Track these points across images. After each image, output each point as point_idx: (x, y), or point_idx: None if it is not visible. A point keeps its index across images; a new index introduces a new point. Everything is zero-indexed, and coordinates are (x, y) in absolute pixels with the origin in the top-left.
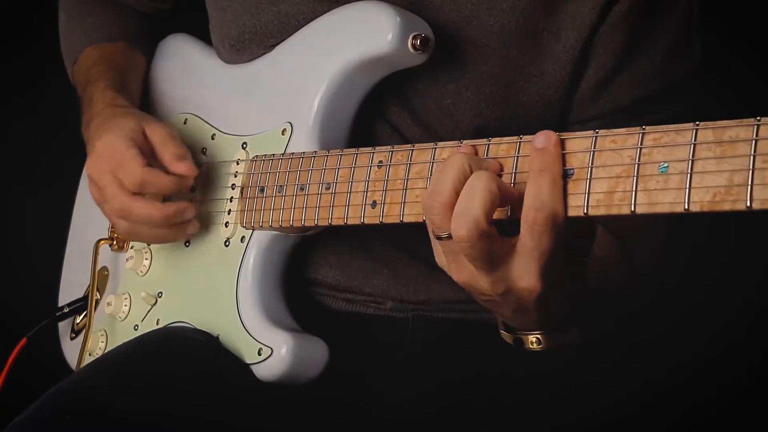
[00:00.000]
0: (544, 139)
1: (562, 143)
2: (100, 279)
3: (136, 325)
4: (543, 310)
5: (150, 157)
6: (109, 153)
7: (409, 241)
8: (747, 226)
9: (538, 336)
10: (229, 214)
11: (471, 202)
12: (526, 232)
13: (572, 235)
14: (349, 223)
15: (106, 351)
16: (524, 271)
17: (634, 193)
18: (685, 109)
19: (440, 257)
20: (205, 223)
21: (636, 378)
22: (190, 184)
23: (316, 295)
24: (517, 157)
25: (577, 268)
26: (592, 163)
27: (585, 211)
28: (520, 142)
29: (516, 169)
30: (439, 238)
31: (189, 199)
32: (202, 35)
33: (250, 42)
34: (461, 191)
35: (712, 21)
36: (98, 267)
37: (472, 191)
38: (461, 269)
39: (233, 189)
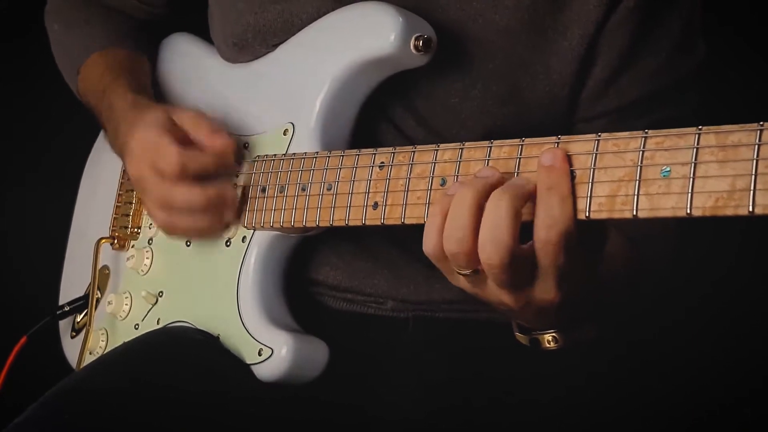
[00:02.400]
0: (551, 156)
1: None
2: (101, 278)
3: (137, 324)
4: (561, 313)
5: (185, 142)
6: (144, 148)
7: (410, 241)
8: (752, 224)
9: (554, 335)
10: None
11: (499, 229)
12: (540, 250)
13: (585, 237)
14: (350, 224)
15: (106, 349)
16: (543, 287)
17: (636, 197)
18: (688, 108)
19: (457, 281)
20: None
21: (638, 378)
22: (232, 161)
23: (317, 295)
24: (519, 158)
25: (591, 270)
26: (594, 166)
27: (587, 215)
28: (522, 145)
29: (518, 169)
30: (462, 275)
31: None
32: (202, 35)
33: (253, 41)
34: (484, 215)
35: (711, 21)
36: (99, 266)
37: (498, 216)
38: (486, 291)
39: (235, 189)
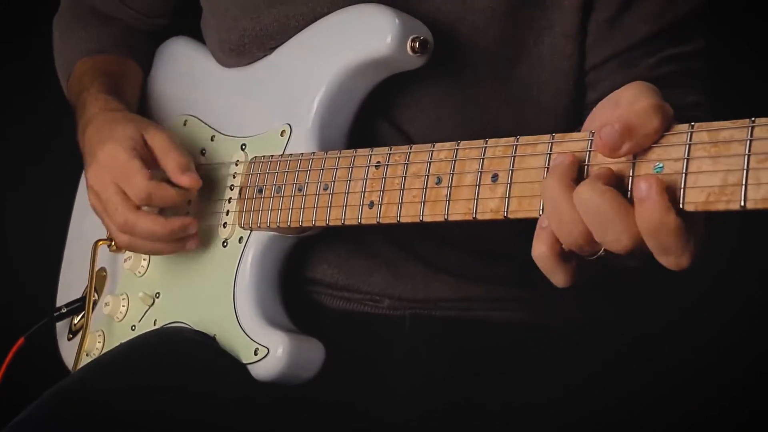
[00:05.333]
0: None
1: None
2: (98, 279)
3: (134, 326)
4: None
5: (152, 165)
6: (112, 164)
7: (408, 239)
8: (750, 222)
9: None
10: (227, 214)
11: (605, 222)
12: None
13: None
14: (346, 223)
15: (103, 351)
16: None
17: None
18: (696, 45)
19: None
20: (203, 224)
21: (637, 377)
22: (195, 195)
23: (313, 293)
24: (514, 157)
25: None
26: (588, 163)
27: None
28: (516, 144)
29: (513, 167)
30: (596, 257)
31: (187, 200)
32: (199, 39)
33: (250, 45)
34: (586, 221)
35: (709, 20)
36: (96, 267)
37: (596, 211)
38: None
39: (232, 190)
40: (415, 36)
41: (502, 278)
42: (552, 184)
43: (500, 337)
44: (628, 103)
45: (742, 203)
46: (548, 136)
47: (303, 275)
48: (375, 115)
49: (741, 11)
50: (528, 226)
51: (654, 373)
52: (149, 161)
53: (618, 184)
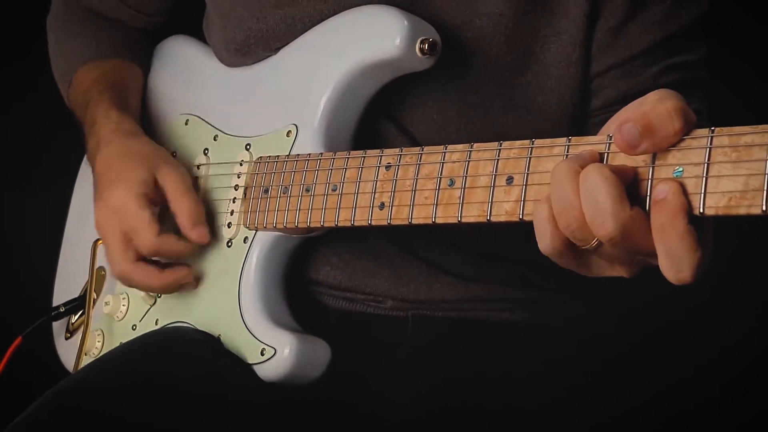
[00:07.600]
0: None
1: (569, 149)
2: (97, 279)
3: (134, 325)
4: None
5: (161, 203)
6: (122, 212)
7: (411, 240)
8: (750, 224)
9: None
10: (231, 215)
11: (596, 201)
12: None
13: None
14: (356, 224)
15: (102, 350)
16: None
17: (648, 197)
18: (699, 54)
19: (599, 269)
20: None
21: (638, 377)
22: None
23: (316, 294)
24: (530, 158)
25: None
26: (606, 163)
27: None
28: (531, 147)
29: (528, 170)
30: (588, 250)
31: None
32: (198, 38)
33: (255, 46)
34: (582, 198)
35: (711, 22)
36: (96, 266)
37: (591, 189)
38: (633, 264)
39: (236, 190)
40: (424, 38)
41: (504, 279)
42: (563, 165)
43: (502, 337)
44: (652, 103)
45: (764, 207)
46: (564, 138)
47: (305, 276)
48: (380, 115)
49: (742, 12)
50: (531, 228)
51: (655, 373)
52: (159, 201)
53: (633, 183)
